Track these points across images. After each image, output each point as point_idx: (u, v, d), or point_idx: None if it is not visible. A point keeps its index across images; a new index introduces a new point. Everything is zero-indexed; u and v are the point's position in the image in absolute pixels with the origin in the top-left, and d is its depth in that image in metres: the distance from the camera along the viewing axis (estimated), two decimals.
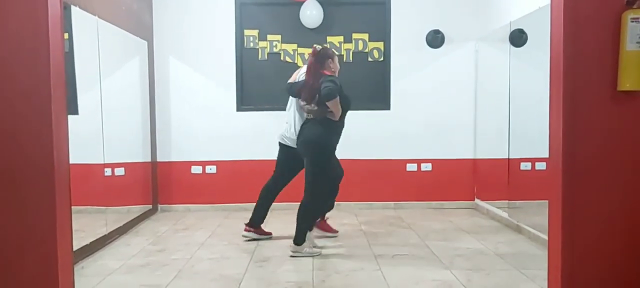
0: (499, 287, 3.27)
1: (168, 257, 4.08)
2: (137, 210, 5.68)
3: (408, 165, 5.95)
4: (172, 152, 6.02)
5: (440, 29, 5.90)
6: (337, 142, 4.20)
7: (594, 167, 2.71)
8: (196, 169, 6.02)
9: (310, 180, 4.05)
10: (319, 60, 4.13)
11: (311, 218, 4.16)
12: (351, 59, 5.91)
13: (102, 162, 4.85)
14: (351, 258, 3.94)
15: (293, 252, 4.02)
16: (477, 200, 5.97)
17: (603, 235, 2.74)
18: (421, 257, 3.98)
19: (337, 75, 4.19)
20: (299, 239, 4.03)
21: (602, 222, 2.73)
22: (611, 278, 2.75)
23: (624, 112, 2.65)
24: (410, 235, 4.66)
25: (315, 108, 4.04)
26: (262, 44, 5.91)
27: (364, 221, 5.22)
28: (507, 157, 5.41)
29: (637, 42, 2.43)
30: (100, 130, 4.71)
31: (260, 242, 4.47)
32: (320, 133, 4.04)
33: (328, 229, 4.66)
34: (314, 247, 4.10)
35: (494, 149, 5.71)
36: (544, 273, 3.29)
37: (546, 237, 4.14)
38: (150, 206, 5.88)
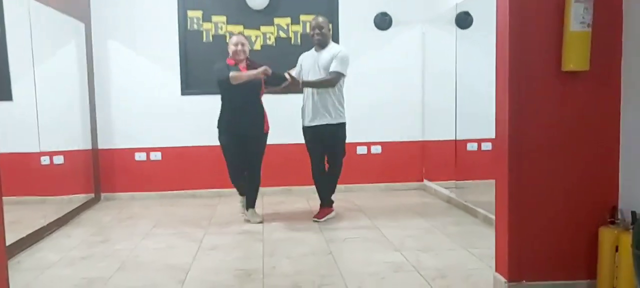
0: (447, 267, 3.30)
1: (111, 247, 3.92)
2: (78, 199, 5.44)
3: (358, 148, 5.94)
4: (114, 138, 5.79)
5: (387, 11, 5.89)
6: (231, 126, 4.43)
7: (540, 147, 2.75)
8: (140, 156, 5.81)
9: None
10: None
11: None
12: (299, 41, 5.82)
13: (38, 150, 4.59)
14: (302, 243, 3.90)
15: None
16: (425, 181, 6.03)
17: (548, 213, 2.79)
18: (372, 239, 3.97)
19: (238, 56, 4.44)
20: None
21: (547, 201, 2.79)
22: (556, 256, 2.82)
23: (568, 92, 2.69)
24: (361, 218, 4.65)
25: None
26: (206, 25, 5.73)
27: (315, 205, 5.17)
28: (454, 138, 5.48)
29: (581, 23, 2.46)
30: (35, 117, 4.45)
31: (209, 230, 4.36)
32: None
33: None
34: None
35: (441, 131, 5.77)
36: (491, 252, 3.35)
37: (493, 217, 4.23)
38: (92, 195, 5.65)
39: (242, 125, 4.42)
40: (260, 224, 4.45)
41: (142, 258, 3.62)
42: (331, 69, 4.35)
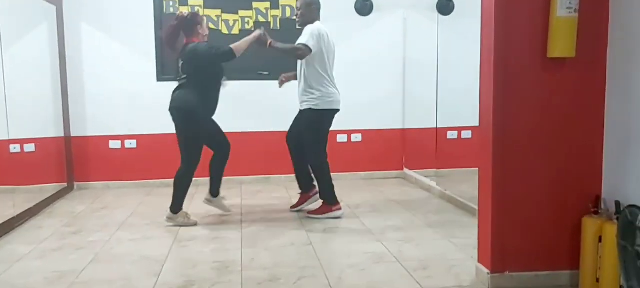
0: (429, 257, 3.26)
1: (84, 239, 3.79)
2: (50, 189, 5.28)
3: (338, 136, 5.86)
4: (87, 126, 5.61)
5: None
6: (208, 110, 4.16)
7: (524, 135, 2.70)
8: (115, 144, 5.65)
9: (182, 149, 4.19)
10: (189, 26, 4.09)
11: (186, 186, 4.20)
12: (279, 26, 5.69)
13: (8, 138, 4.43)
14: (281, 235, 3.82)
15: (167, 218, 4.12)
16: (405, 170, 5.99)
17: (532, 203, 2.76)
18: (352, 229, 3.91)
19: (206, 40, 4.17)
20: (175, 207, 4.12)
21: (531, 190, 2.75)
22: (540, 246, 2.79)
23: (554, 80, 2.65)
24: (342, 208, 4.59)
25: (184, 77, 4.07)
26: (182, 8, 5.56)
27: (294, 195, 5.08)
28: (435, 126, 5.44)
29: (568, 8, 2.41)
30: (3, 103, 4.28)
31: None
32: (189, 99, 4.04)
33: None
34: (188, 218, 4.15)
35: (422, 119, 5.73)
36: (472, 242, 3.33)
37: (474, 206, 4.20)
38: (65, 184, 5.48)
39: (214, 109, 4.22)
40: (238, 216, 4.35)
41: (116, 250, 3.51)
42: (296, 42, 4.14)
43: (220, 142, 4.28)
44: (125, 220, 4.29)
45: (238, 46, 3.99)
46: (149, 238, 3.78)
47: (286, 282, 2.88)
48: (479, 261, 2.90)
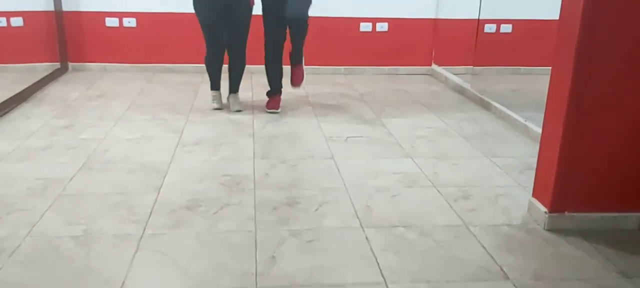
0: (469, 182, 2.82)
1: (76, 135, 3.35)
2: (42, 69, 4.80)
3: (362, 24, 5.24)
4: None
5: None
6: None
7: (619, 42, 2.14)
8: (111, 22, 5.07)
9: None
10: None
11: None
12: None
13: None
14: (299, 141, 3.37)
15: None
16: (434, 66, 5.42)
17: (610, 132, 2.26)
18: (378, 139, 3.45)
19: None
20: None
21: (612, 117, 2.24)
22: (611, 183, 2.33)
23: None
24: (364, 110, 4.10)
25: None
26: None
27: (311, 91, 4.59)
28: (472, 16, 4.80)
29: None
30: None
31: (191, 117, 3.79)
32: None
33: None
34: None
35: (459, 7, 5.08)
36: (516, 163, 2.92)
37: (516, 117, 3.70)
38: (58, 65, 4.98)
39: None
40: (249, 115, 3.88)
41: (111, 153, 3.08)
42: None
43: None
44: (123, 113, 3.84)
45: None
46: (149, 139, 3.34)
47: (306, 208, 2.46)
48: (535, 195, 2.46)
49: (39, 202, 2.45)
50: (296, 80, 3.94)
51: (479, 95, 4.35)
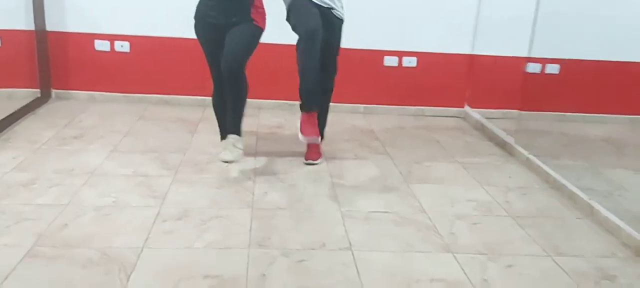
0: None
1: (33, 199, 2.70)
2: (21, 96, 4.24)
3: (386, 58, 4.57)
4: (67, 19, 4.38)
5: None
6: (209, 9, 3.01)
7: None
8: (102, 45, 4.44)
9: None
10: None
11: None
12: None
13: None
14: (307, 221, 2.70)
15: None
16: (467, 108, 4.73)
17: None
18: (407, 219, 2.76)
19: None
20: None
21: None
22: None
23: None
24: (388, 168, 3.43)
25: None
26: None
27: (325, 134, 3.94)
28: (517, 54, 4.14)
29: None
30: None
31: (180, 172, 3.14)
32: None
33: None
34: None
35: (502, 43, 4.41)
36: (588, 268, 2.18)
37: (574, 189, 3.02)
38: (38, 91, 4.36)
39: (221, 10, 2.99)
40: (250, 170, 3.22)
41: (69, 231, 2.42)
42: None
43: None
44: (100, 164, 3.19)
45: None
46: (123, 207, 2.67)
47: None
48: None
49: None
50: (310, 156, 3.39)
51: (524, 153, 3.65)
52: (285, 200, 2.86)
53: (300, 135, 3.11)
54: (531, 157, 3.57)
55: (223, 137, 3.29)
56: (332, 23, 3.16)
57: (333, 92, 3.42)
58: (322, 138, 3.41)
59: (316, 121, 3.13)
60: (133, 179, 3.01)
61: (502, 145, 3.97)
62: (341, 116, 4.48)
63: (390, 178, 3.26)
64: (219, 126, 3.35)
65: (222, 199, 2.83)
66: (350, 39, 4.40)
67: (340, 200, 2.90)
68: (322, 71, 3.13)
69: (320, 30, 2.94)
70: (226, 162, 3.17)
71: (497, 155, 3.83)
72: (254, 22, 3.02)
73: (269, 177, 3.15)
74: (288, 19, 3.11)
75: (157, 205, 2.71)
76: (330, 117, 3.53)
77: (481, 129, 4.38)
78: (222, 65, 2.96)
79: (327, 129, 3.59)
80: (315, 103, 3.10)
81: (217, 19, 2.99)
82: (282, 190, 2.99)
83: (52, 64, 4.45)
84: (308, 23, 2.94)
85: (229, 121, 3.10)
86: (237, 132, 3.08)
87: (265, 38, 3.10)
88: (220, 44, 2.99)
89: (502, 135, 4.00)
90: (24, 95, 4.30)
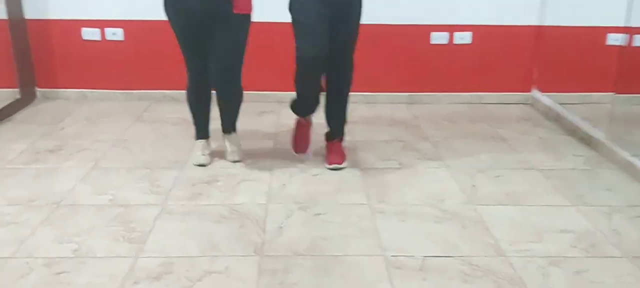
0: None
1: None
2: (4, 97, 3.59)
3: (433, 34, 3.72)
4: (49, 4, 3.69)
5: None
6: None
7: None
8: (90, 34, 3.74)
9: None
10: None
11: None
12: None
13: None
14: (336, 275, 1.93)
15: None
16: (534, 92, 3.85)
17: None
18: (481, 267, 1.96)
19: None
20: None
21: None
22: None
23: None
24: (444, 182, 2.62)
25: None
26: None
27: (359, 136, 3.14)
28: (601, 24, 3.25)
29: None
30: None
31: (170, 199, 2.41)
32: None
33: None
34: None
35: (577, 10, 3.53)
36: None
37: None
38: (17, 92, 3.69)
39: None
40: (264, 191, 2.47)
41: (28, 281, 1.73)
42: None
43: None
44: (71, 189, 2.48)
45: None
46: (86, 256, 1.95)
47: None
48: None
49: None
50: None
51: (624, 155, 2.77)
52: (306, 242, 2.08)
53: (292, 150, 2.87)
54: (634, 159, 2.70)
55: (199, 136, 2.84)
56: (347, 13, 2.52)
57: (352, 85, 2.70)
58: (342, 137, 2.83)
59: (309, 132, 2.91)
60: (108, 211, 2.28)
61: (588, 140, 3.09)
62: (379, 108, 3.67)
63: (449, 197, 2.45)
64: (195, 124, 2.86)
65: (220, 241, 2.08)
66: (386, 13, 3.60)
67: (382, 238, 2.11)
68: (332, 70, 2.62)
69: (324, 55, 2.47)
70: (200, 165, 2.74)
71: (585, 157, 2.95)
72: (238, 13, 2.48)
73: (286, 203, 2.38)
74: (290, 10, 2.53)
75: (133, 253, 1.98)
76: (365, 110, 2.79)
77: (556, 118, 3.50)
78: (214, 79, 2.62)
79: (360, 127, 2.85)
80: (309, 113, 2.86)
81: (194, 4, 2.43)
82: (304, 224, 2.22)
83: (34, 58, 3.77)
84: (309, 47, 2.45)
85: (224, 122, 2.84)
86: (233, 129, 2.86)
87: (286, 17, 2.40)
88: (201, 36, 2.51)
89: (586, 127, 3.12)
90: (6, 96, 3.64)
